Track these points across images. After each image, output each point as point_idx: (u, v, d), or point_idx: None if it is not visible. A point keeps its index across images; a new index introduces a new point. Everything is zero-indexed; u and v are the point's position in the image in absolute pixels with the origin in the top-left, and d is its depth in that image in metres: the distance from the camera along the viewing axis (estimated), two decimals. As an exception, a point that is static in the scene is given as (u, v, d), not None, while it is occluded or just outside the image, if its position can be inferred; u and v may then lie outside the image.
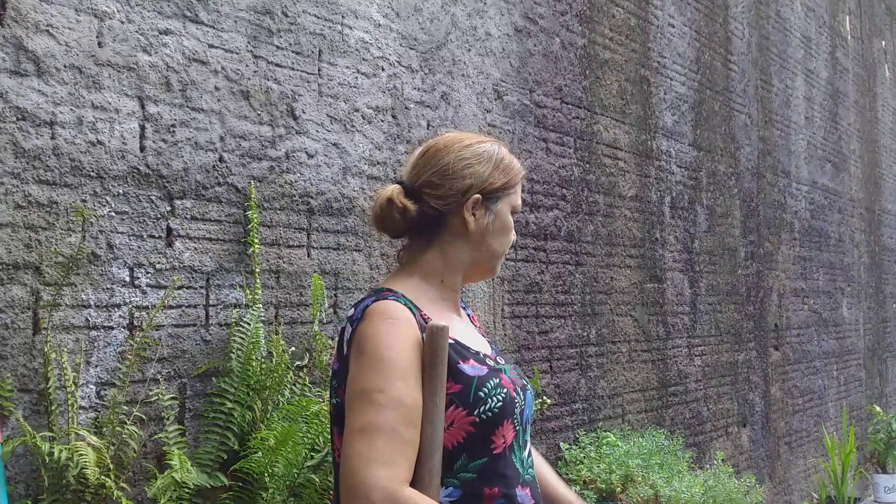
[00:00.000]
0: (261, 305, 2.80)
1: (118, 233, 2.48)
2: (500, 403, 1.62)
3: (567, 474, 4.02)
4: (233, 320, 2.76)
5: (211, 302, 2.73)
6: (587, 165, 4.68)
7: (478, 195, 1.70)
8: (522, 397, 1.69)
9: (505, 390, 1.63)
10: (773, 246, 7.00)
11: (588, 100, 4.72)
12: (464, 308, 1.83)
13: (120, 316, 2.48)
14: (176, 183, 2.64)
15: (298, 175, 3.03)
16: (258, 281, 2.82)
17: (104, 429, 2.38)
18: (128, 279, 2.50)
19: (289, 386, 2.84)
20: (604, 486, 3.89)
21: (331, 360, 2.73)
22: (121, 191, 2.49)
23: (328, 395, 1.98)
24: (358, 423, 1.52)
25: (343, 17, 3.25)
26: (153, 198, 2.58)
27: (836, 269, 8.40)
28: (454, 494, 1.60)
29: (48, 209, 2.32)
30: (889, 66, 10.82)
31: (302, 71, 3.07)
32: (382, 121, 3.40)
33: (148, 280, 2.55)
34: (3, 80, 2.24)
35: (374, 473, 1.47)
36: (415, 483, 1.53)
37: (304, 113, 3.06)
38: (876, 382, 9.53)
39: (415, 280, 1.71)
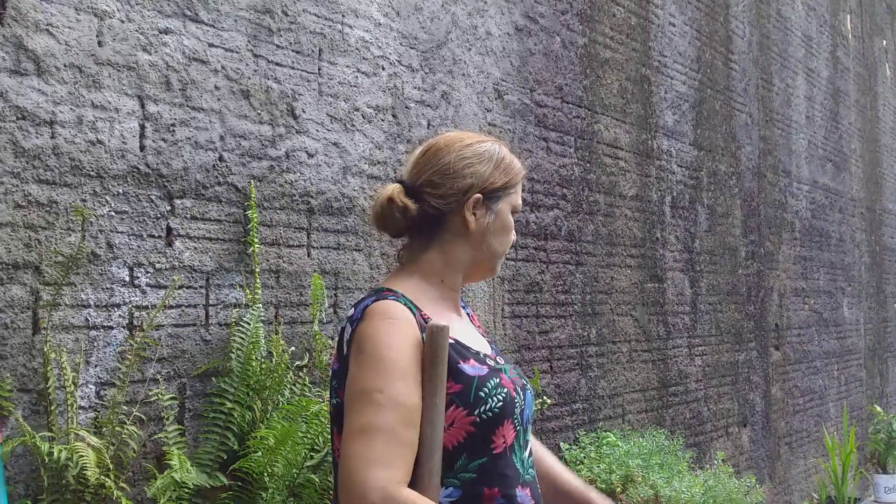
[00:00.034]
0: (261, 305, 2.80)
1: (118, 232, 2.48)
2: (500, 403, 1.61)
3: (567, 474, 4.00)
4: (233, 320, 2.76)
5: (211, 302, 2.72)
6: (588, 165, 4.67)
7: (478, 195, 1.70)
8: (522, 397, 1.69)
9: (505, 390, 1.63)
10: (773, 245, 7.00)
11: (588, 99, 4.71)
12: (463, 308, 1.83)
13: (120, 316, 2.47)
14: (176, 182, 2.63)
15: (298, 174, 3.03)
16: (258, 281, 2.82)
17: (104, 429, 2.38)
18: (127, 279, 2.50)
19: (288, 386, 2.84)
20: (604, 486, 3.88)
21: (331, 360, 2.73)
22: (120, 190, 2.49)
23: (328, 395, 1.98)
24: (357, 423, 1.52)
25: (343, 16, 3.25)
26: (153, 197, 2.57)
27: (837, 269, 8.40)
28: (454, 494, 1.60)
29: (48, 209, 2.32)
30: (890, 64, 10.81)
31: (302, 70, 3.06)
32: (383, 120, 3.39)
33: (148, 280, 2.54)
34: (3, 79, 2.23)
35: (372, 474, 1.47)
36: (415, 483, 1.53)
37: (304, 112, 3.06)
38: (876, 382, 9.53)
39: (415, 280, 1.71)
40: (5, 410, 2.20)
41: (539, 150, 4.30)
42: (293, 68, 3.03)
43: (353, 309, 1.66)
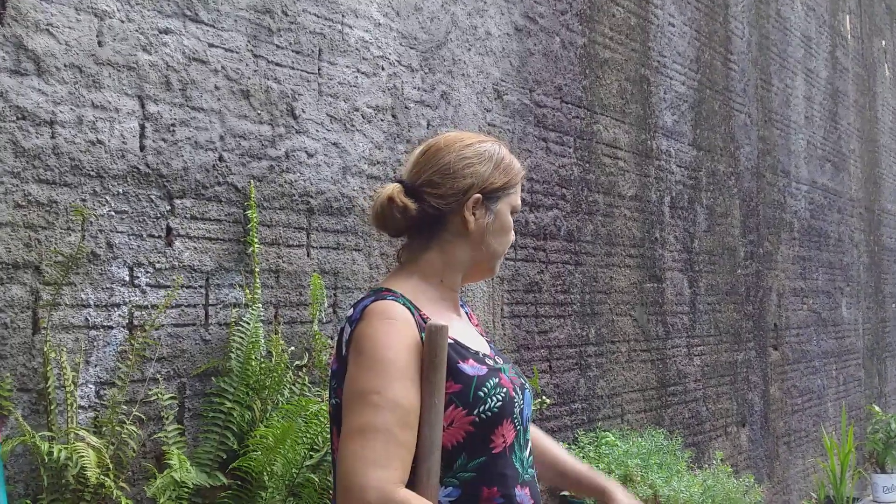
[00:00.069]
0: (260, 305, 2.80)
1: (118, 232, 2.48)
2: (499, 403, 1.62)
3: (566, 474, 4.01)
4: (232, 320, 2.76)
5: (210, 301, 2.73)
6: (587, 165, 4.68)
7: (478, 195, 1.70)
8: (521, 397, 1.69)
9: (504, 390, 1.63)
10: (772, 246, 7.01)
11: (588, 99, 4.72)
12: (462, 307, 1.83)
13: (119, 315, 2.48)
14: (176, 182, 2.63)
15: (298, 174, 3.03)
16: (258, 280, 2.82)
17: (103, 428, 2.38)
18: (127, 278, 2.50)
19: (288, 385, 2.84)
20: (603, 485, 3.88)
21: (330, 359, 2.73)
22: (120, 190, 2.49)
23: (327, 396, 1.98)
24: (355, 423, 1.52)
25: (343, 16, 3.25)
26: (153, 197, 2.57)
27: (836, 269, 8.40)
28: (453, 494, 1.60)
29: (48, 208, 2.32)
30: (889, 65, 10.82)
31: (302, 70, 3.07)
32: (382, 120, 3.40)
33: (147, 279, 2.55)
34: (3, 79, 2.23)
35: (369, 474, 1.47)
36: (414, 483, 1.53)
37: (303, 112, 3.06)
38: (875, 382, 9.54)
39: (414, 280, 1.71)
40: (5, 410, 2.20)
41: (538, 150, 4.30)
42: (293, 68, 3.03)
43: (352, 309, 1.67)
